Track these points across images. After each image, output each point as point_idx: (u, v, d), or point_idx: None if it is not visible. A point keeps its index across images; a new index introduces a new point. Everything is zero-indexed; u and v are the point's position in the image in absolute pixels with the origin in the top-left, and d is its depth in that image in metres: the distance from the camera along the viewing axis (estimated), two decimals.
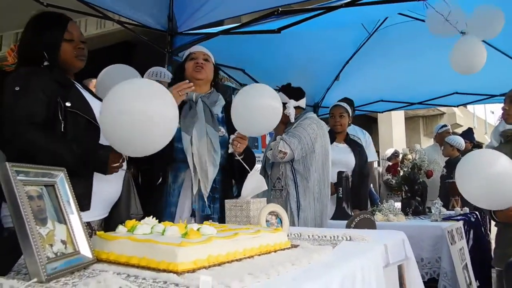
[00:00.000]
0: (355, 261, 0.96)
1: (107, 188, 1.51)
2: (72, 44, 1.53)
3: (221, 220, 1.86)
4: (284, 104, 2.44)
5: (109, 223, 1.54)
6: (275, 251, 1.06)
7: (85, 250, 0.88)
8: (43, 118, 1.37)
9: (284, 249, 1.09)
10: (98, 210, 1.50)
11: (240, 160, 1.78)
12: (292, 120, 2.51)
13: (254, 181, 1.47)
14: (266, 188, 1.53)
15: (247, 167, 1.76)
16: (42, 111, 1.37)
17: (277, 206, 1.36)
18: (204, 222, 1.35)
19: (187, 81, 1.77)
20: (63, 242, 0.85)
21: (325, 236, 1.30)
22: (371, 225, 1.97)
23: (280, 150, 2.31)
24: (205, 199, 1.82)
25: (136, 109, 1.18)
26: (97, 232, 0.99)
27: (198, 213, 1.84)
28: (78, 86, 1.56)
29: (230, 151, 1.85)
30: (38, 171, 0.85)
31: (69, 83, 1.50)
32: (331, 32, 3.53)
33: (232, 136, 1.84)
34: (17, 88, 1.35)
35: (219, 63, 2.14)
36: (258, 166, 4.11)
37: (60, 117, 1.38)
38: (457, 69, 2.73)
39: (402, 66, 4.18)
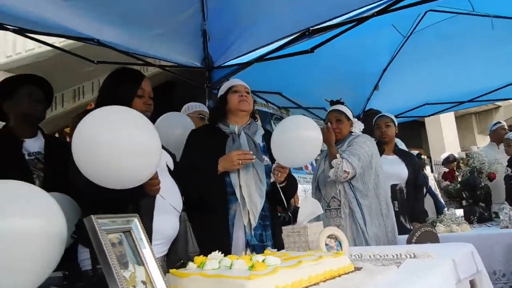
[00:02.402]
0: (423, 281, 0.95)
1: (165, 226, 1.59)
2: (142, 99, 1.67)
3: (275, 245, 1.90)
4: (348, 119, 2.48)
5: (168, 261, 1.63)
6: (339, 276, 1.07)
7: None
8: None
9: (348, 272, 1.10)
10: (159, 248, 1.59)
11: (280, 189, 1.85)
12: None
13: (309, 206, 1.49)
14: (322, 212, 1.56)
15: (284, 201, 1.85)
16: None
17: (335, 229, 1.37)
18: (265, 251, 1.40)
19: (251, 152, 1.87)
20: (143, 282, 0.92)
21: (387, 255, 1.29)
22: (433, 238, 1.89)
23: (345, 170, 2.30)
24: (257, 228, 1.89)
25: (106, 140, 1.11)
26: (170, 270, 1.06)
27: (252, 243, 1.89)
28: None
29: (272, 180, 1.91)
30: (117, 219, 0.95)
31: None
32: (365, 41, 3.51)
33: (273, 165, 1.90)
34: None
35: (255, 89, 2.21)
36: (305, 187, 4.13)
37: None
38: None
39: (445, 65, 4.04)
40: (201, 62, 3.19)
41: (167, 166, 1.74)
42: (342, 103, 2.64)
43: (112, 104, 1.58)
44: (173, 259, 1.63)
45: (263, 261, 1.00)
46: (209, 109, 2.96)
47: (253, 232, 1.88)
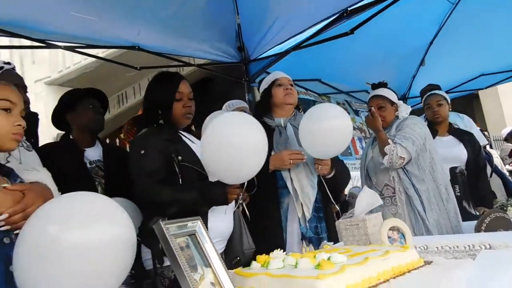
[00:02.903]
0: (505, 275, 0.88)
1: (221, 224, 1.63)
2: (181, 102, 1.71)
3: (330, 238, 1.88)
4: (392, 103, 2.36)
5: (226, 259, 1.65)
6: (409, 271, 1.02)
7: None
8: (164, 173, 1.56)
9: (417, 267, 1.05)
10: (216, 246, 1.61)
11: (327, 182, 1.84)
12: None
13: (367, 197, 1.44)
14: (381, 202, 1.50)
15: (329, 194, 1.85)
16: (162, 168, 1.56)
17: (397, 221, 1.32)
18: (325, 246, 1.37)
19: (303, 153, 1.87)
20: (212, 284, 0.94)
21: (457, 247, 1.21)
22: (506, 225, 1.70)
23: (400, 156, 2.18)
24: (311, 221, 1.87)
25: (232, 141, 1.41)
26: (234, 270, 1.07)
27: (307, 235, 1.87)
28: (185, 137, 1.72)
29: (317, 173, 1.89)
30: (182, 223, 0.97)
31: (178, 138, 1.67)
32: (408, 15, 3.31)
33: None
34: (142, 152, 1.56)
35: (293, 78, 2.16)
36: (354, 174, 4.01)
37: (177, 170, 1.54)
38: None
39: (501, 31, 3.71)
40: (236, 56, 3.18)
41: None
42: (385, 86, 2.48)
43: (157, 110, 1.64)
44: (230, 257, 1.66)
45: (328, 259, 0.97)
46: (248, 103, 2.97)
47: (308, 224, 1.86)
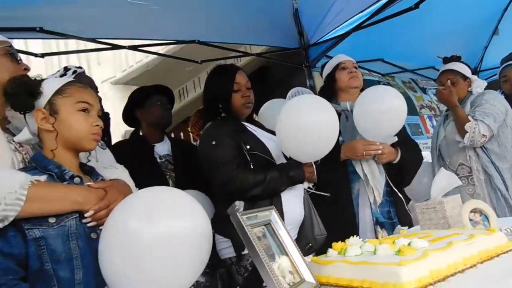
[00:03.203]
0: None
1: (292, 211, 1.64)
2: (240, 93, 1.74)
3: (403, 222, 1.82)
4: (465, 78, 2.23)
5: (298, 246, 1.66)
6: (497, 256, 0.96)
7: (308, 276, 0.97)
8: (240, 160, 1.59)
9: (506, 251, 0.98)
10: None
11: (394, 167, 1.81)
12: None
13: (444, 178, 1.38)
14: (460, 183, 1.42)
15: (389, 181, 1.86)
16: (236, 155, 1.59)
17: (479, 202, 1.24)
18: (400, 231, 1.34)
19: (378, 143, 1.84)
20: (290, 272, 0.96)
21: None
22: None
23: (483, 134, 2.05)
24: (383, 205, 1.82)
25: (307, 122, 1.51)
26: (311, 258, 1.08)
27: (380, 220, 1.83)
28: (249, 127, 1.75)
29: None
30: (257, 214, 0.99)
31: (243, 128, 1.71)
32: None
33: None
34: (213, 142, 1.60)
35: (355, 60, 2.11)
36: (424, 154, 3.81)
37: (248, 158, 1.58)
38: None
39: None
40: (294, 42, 3.14)
41: (283, 153, 1.77)
42: (458, 59, 2.33)
43: (217, 103, 1.69)
44: (302, 243, 1.67)
45: (409, 244, 0.95)
46: (310, 89, 2.92)
47: (379, 209, 1.82)
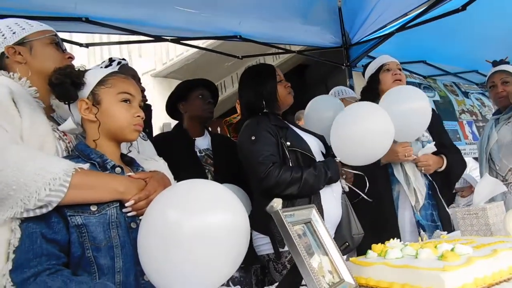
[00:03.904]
0: None
1: (330, 211, 1.63)
2: (283, 83, 1.76)
3: (444, 226, 1.78)
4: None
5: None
6: None
7: (347, 277, 0.97)
8: (279, 157, 1.60)
9: None
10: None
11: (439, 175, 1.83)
12: None
13: (488, 184, 1.34)
14: (505, 189, 1.39)
15: (437, 187, 1.85)
16: (277, 151, 1.61)
17: None
18: (441, 235, 1.32)
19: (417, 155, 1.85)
20: (330, 272, 0.95)
21: None
22: None
23: None
24: (426, 208, 1.79)
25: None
26: (351, 259, 1.08)
27: (422, 223, 1.80)
28: (291, 126, 1.77)
29: None
30: (298, 211, 0.99)
31: (285, 125, 1.72)
32: None
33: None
34: (253, 138, 1.62)
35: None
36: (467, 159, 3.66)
37: (288, 155, 1.59)
38: None
39: None
40: (338, 40, 3.10)
41: (321, 150, 1.78)
42: (508, 63, 2.30)
43: (262, 101, 1.71)
44: (339, 242, 1.67)
45: (452, 249, 0.94)
46: (350, 87, 2.89)
47: (422, 212, 1.80)
